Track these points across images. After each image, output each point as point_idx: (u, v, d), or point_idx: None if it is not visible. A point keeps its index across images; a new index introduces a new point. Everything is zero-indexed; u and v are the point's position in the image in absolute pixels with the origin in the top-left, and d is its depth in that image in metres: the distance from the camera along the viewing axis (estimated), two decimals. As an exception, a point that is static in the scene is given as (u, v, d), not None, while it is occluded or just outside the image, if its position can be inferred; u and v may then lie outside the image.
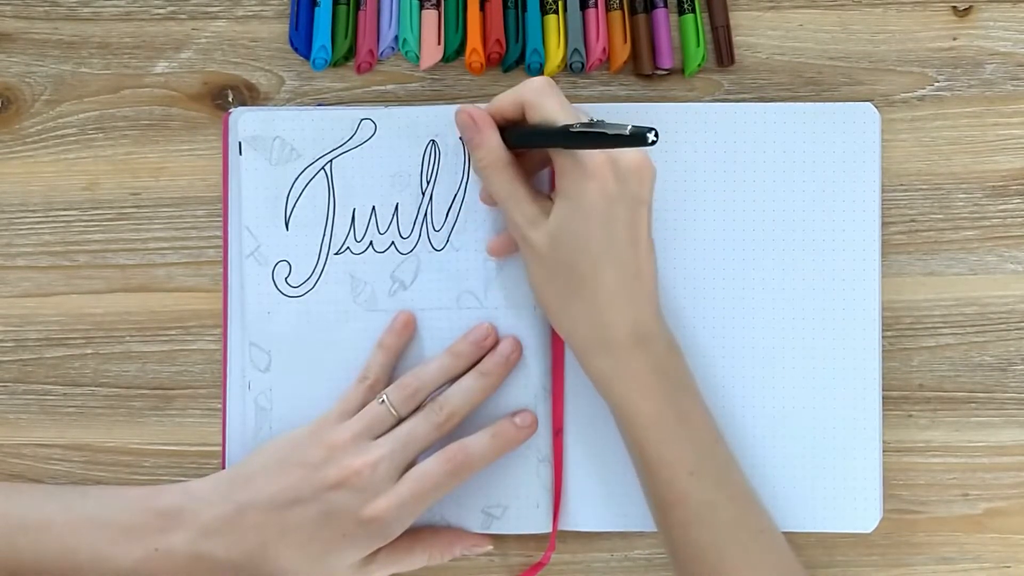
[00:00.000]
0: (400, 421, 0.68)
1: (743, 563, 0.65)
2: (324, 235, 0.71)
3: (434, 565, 0.71)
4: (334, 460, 0.66)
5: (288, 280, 0.71)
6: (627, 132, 0.59)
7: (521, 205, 0.66)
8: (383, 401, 0.68)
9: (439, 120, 0.71)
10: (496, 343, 0.70)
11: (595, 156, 0.63)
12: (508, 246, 0.69)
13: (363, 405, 0.68)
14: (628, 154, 0.64)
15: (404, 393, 0.68)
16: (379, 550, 0.68)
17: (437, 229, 0.71)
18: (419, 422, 0.68)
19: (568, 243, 0.64)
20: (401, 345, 0.70)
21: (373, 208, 0.71)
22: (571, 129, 0.62)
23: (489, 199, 0.69)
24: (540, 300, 0.67)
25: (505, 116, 0.66)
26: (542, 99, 0.64)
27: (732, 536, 0.65)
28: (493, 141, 0.66)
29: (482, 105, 0.67)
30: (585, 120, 0.62)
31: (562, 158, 0.64)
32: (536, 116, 0.65)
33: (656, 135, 0.59)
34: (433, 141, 0.71)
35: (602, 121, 0.61)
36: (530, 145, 0.67)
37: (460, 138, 0.70)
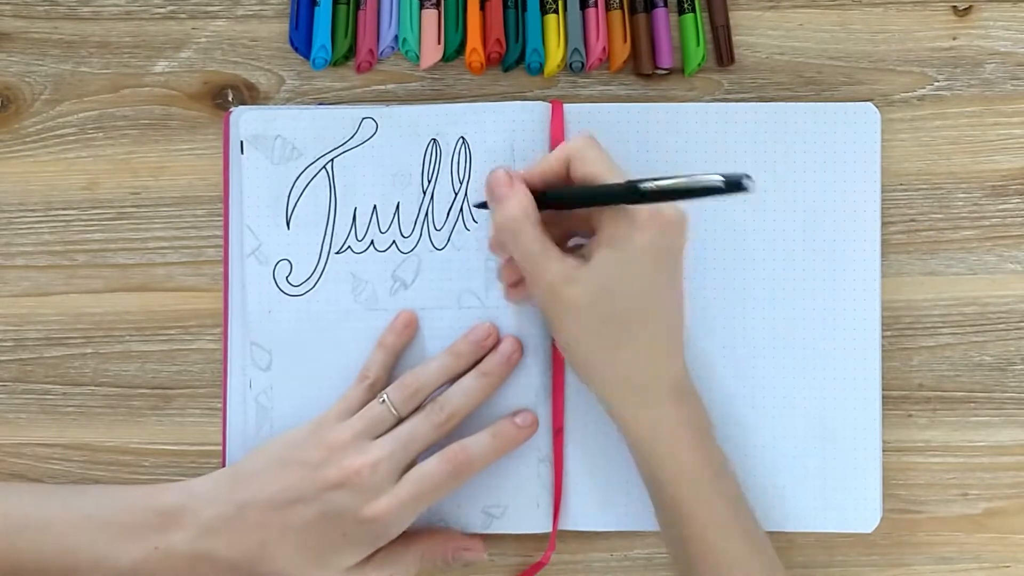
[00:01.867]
0: (400, 421, 0.68)
1: None
2: (325, 234, 0.71)
3: (430, 568, 0.70)
4: (334, 460, 0.66)
5: (289, 279, 0.71)
6: (721, 184, 0.57)
7: (553, 263, 0.64)
8: (383, 401, 0.68)
9: (440, 119, 0.71)
10: (497, 343, 0.70)
11: (642, 209, 0.63)
12: (525, 294, 0.69)
13: (363, 404, 0.68)
14: (670, 206, 0.63)
15: (404, 393, 0.68)
16: (375, 552, 0.68)
17: (438, 228, 0.71)
18: (419, 422, 0.67)
19: (615, 294, 0.64)
20: (402, 345, 0.70)
21: (374, 207, 0.71)
22: (640, 187, 0.61)
23: (517, 294, 0.69)
24: (576, 354, 0.66)
25: (547, 179, 0.66)
26: (589, 158, 0.64)
27: None
28: (522, 196, 0.65)
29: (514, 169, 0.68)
30: (629, 177, 0.62)
31: (609, 214, 0.63)
32: (583, 174, 0.64)
33: (751, 180, 0.57)
34: (434, 140, 0.71)
35: (678, 176, 0.60)
36: (576, 204, 0.66)
37: (478, 204, 0.70)
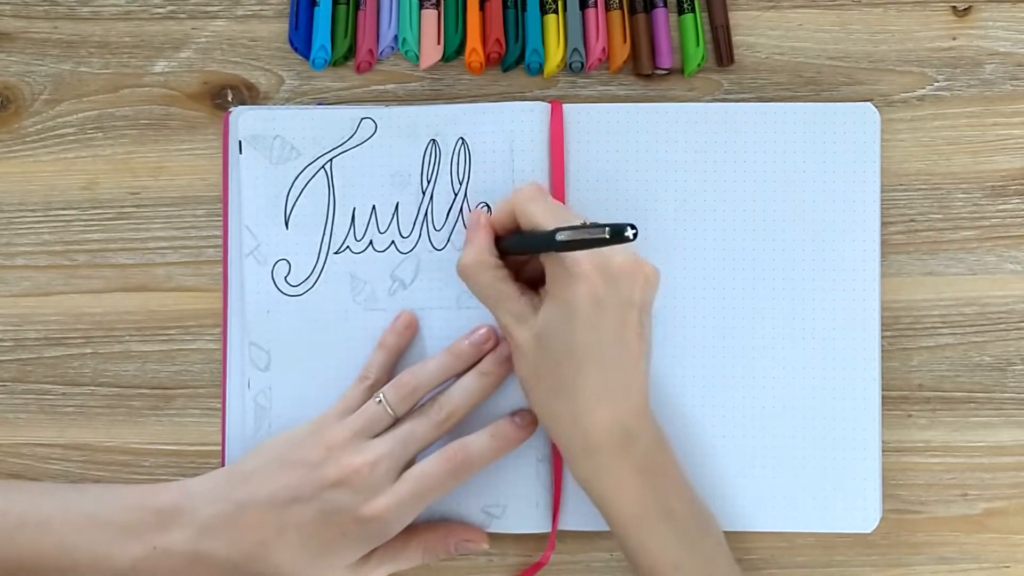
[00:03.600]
0: (397, 420, 0.68)
1: None
2: (324, 234, 0.71)
3: (431, 563, 0.70)
4: (333, 459, 0.66)
5: (288, 279, 0.71)
6: (606, 234, 0.59)
7: (506, 303, 0.66)
8: (380, 400, 0.68)
9: (440, 119, 0.71)
10: (496, 345, 0.70)
11: (583, 261, 0.63)
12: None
13: (363, 404, 0.68)
14: (618, 257, 0.64)
15: (401, 392, 0.68)
16: (375, 549, 0.68)
17: (438, 228, 0.71)
18: (419, 421, 0.67)
19: (552, 344, 0.64)
20: (402, 345, 0.70)
21: (373, 207, 0.71)
22: (556, 237, 0.61)
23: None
24: (526, 394, 0.68)
25: (505, 226, 0.67)
26: (528, 206, 0.66)
27: None
28: (480, 242, 0.67)
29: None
30: (576, 223, 0.63)
31: (551, 262, 0.64)
32: (525, 222, 0.66)
33: (635, 230, 0.58)
34: (433, 140, 0.71)
35: (585, 224, 0.62)
36: (521, 251, 0.68)
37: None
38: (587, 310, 0.63)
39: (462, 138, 0.70)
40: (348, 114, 0.71)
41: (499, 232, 0.68)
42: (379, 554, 0.68)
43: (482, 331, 0.70)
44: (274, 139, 0.71)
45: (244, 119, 0.71)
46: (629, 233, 0.58)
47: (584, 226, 0.61)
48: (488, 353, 0.69)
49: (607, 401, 0.65)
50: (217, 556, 0.66)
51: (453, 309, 0.71)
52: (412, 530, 0.69)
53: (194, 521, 0.66)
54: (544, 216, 0.65)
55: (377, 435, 0.67)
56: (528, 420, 0.69)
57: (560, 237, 0.61)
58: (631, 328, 0.65)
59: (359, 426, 0.67)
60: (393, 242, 0.71)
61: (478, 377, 0.69)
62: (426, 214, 0.71)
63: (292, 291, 0.71)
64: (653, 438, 0.67)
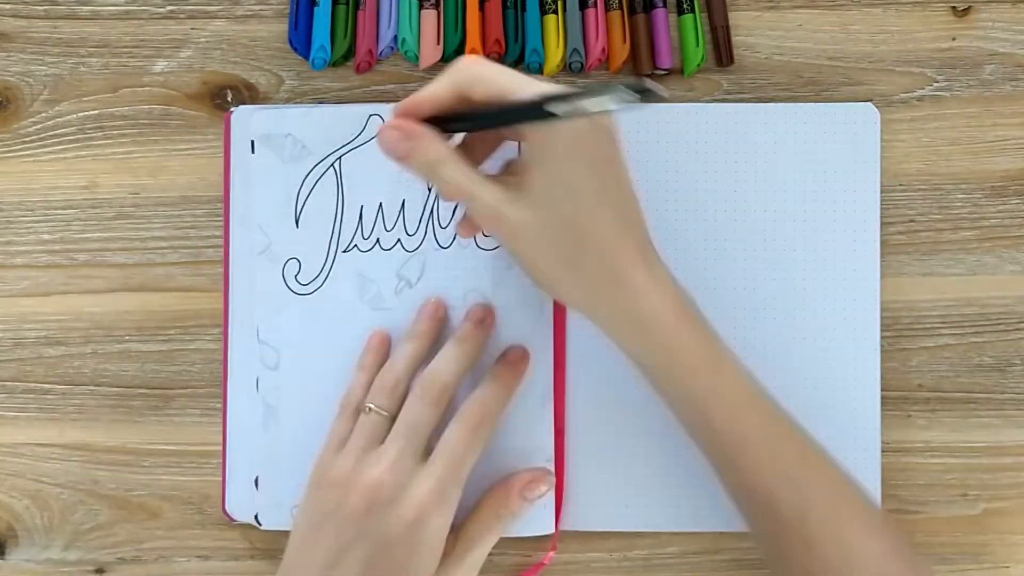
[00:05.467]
0: (394, 419, 0.65)
1: (816, 484, 0.63)
2: (333, 232, 0.71)
3: (509, 527, 0.69)
4: (351, 490, 0.63)
5: (298, 278, 0.71)
6: (635, 96, 0.51)
7: (488, 189, 0.60)
8: (369, 410, 0.66)
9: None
10: (446, 313, 0.69)
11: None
12: (475, 228, 0.66)
13: (353, 426, 0.66)
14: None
15: (384, 391, 0.66)
16: (449, 539, 0.65)
17: (444, 226, 0.71)
18: (413, 406, 0.65)
19: (559, 198, 0.60)
20: (381, 363, 0.69)
21: (380, 205, 0.71)
22: (546, 107, 0.55)
23: (468, 228, 0.66)
24: (542, 276, 0.62)
25: (441, 106, 0.60)
26: (482, 75, 0.59)
27: (803, 461, 0.63)
28: (430, 139, 0.60)
29: (392, 106, 0.62)
30: (547, 87, 0.57)
31: (526, 128, 0.60)
32: (487, 89, 0.59)
33: (657, 90, 0.51)
34: (441, 134, 0.71)
35: (577, 92, 0.56)
36: (483, 127, 0.62)
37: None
38: (582, 145, 0.59)
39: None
40: (357, 111, 0.71)
41: (428, 117, 0.61)
42: (456, 545, 0.66)
43: (431, 303, 0.69)
44: (285, 137, 0.71)
45: (257, 118, 0.71)
46: (655, 89, 0.50)
47: (579, 93, 0.54)
48: (443, 321, 0.69)
49: (628, 233, 0.61)
50: None
51: (459, 308, 0.70)
52: (476, 508, 0.68)
53: None
54: (509, 81, 0.58)
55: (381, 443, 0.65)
56: (518, 355, 0.68)
57: (555, 110, 0.55)
58: (623, 160, 0.61)
59: (360, 444, 0.65)
60: (399, 240, 0.71)
61: (457, 344, 0.67)
62: (432, 211, 0.71)
63: (302, 290, 0.71)
64: (676, 278, 0.63)
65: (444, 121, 0.61)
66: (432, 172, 0.61)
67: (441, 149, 0.60)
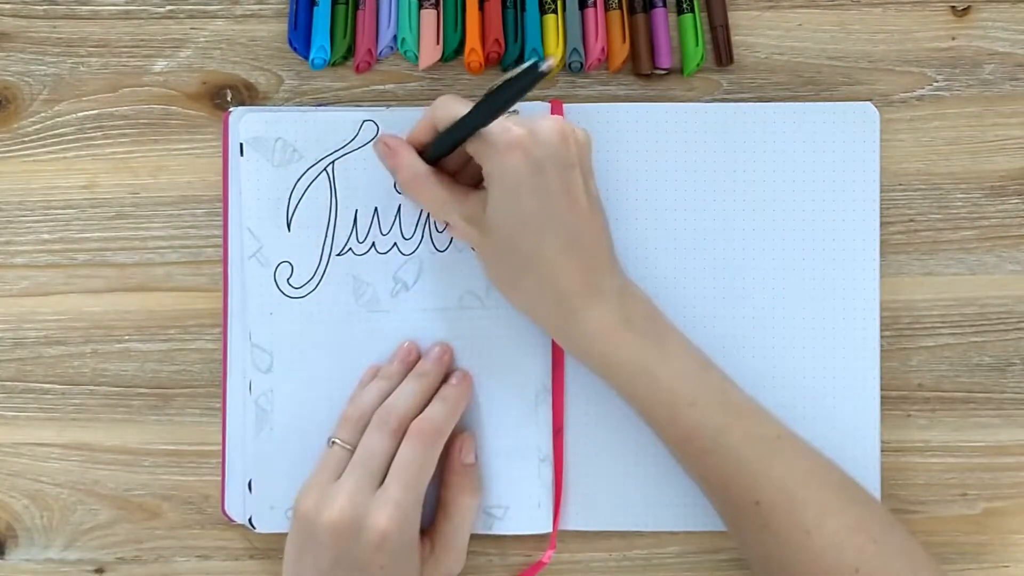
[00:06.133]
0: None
1: (767, 470, 0.65)
2: (326, 236, 0.71)
3: (476, 497, 0.69)
4: (317, 524, 0.64)
5: (290, 281, 0.71)
6: (528, 70, 0.59)
7: (455, 206, 0.66)
8: (334, 442, 0.67)
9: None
10: (418, 356, 0.70)
11: (512, 130, 0.63)
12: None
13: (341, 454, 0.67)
14: (544, 123, 0.64)
15: (348, 425, 0.68)
16: (426, 547, 0.67)
17: (440, 230, 0.71)
18: (370, 436, 0.67)
19: (506, 224, 0.65)
20: (369, 415, 0.68)
21: (375, 209, 0.71)
22: (471, 111, 0.63)
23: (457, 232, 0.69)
24: (501, 290, 0.68)
25: (423, 141, 0.68)
26: (448, 106, 0.66)
27: (751, 450, 0.65)
28: (408, 158, 0.67)
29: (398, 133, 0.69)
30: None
31: (480, 145, 0.64)
32: (446, 122, 0.66)
33: (546, 63, 0.58)
34: (435, 141, 0.71)
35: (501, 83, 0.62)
36: (447, 149, 0.67)
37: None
38: (528, 177, 0.63)
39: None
40: (350, 116, 0.71)
41: (420, 148, 0.68)
42: (435, 545, 0.68)
43: (404, 346, 0.70)
44: (275, 141, 0.71)
45: (245, 121, 0.71)
46: (542, 66, 0.58)
47: (500, 84, 0.61)
48: (415, 364, 0.70)
49: (572, 257, 0.65)
50: None
51: (455, 310, 0.71)
52: (437, 504, 0.69)
53: None
54: (461, 109, 0.65)
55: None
56: (461, 376, 0.70)
57: (476, 105, 0.62)
58: (576, 188, 0.65)
59: (325, 477, 0.66)
60: (395, 244, 0.71)
61: (416, 379, 0.69)
62: (428, 216, 0.71)
63: (295, 293, 0.71)
64: (625, 289, 0.67)
65: (429, 147, 0.68)
66: (416, 184, 0.67)
67: (414, 165, 0.67)
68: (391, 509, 0.64)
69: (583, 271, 0.65)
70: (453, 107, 0.65)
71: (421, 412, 0.68)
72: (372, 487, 0.65)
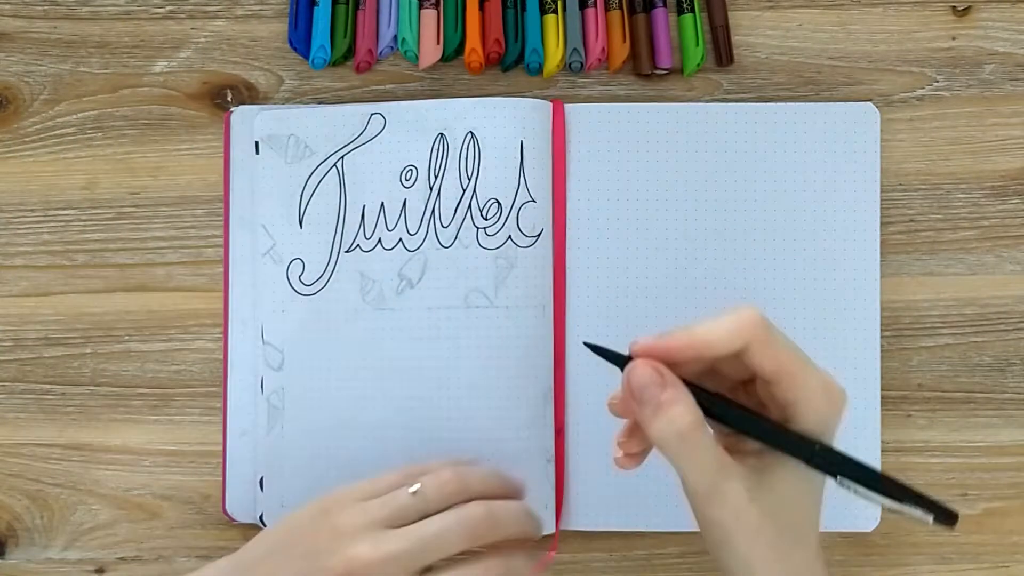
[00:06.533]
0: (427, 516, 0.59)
1: None
2: (336, 232, 0.71)
3: None
4: (340, 549, 0.57)
5: (302, 278, 0.71)
6: (929, 517, 0.52)
7: (732, 482, 0.54)
8: (416, 491, 0.59)
9: (448, 113, 0.71)
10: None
11: (838, 408, 0.55)
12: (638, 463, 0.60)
13: (395, 486, 0.60)
14: (837, 386, 0.56)
15: (443, 488, 0.59)
16: None
17: (445, 225, 0.71)
18: (452, 523, 0.58)
19: (795, 506, 0.56)
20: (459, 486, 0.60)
21: (382, 204, 0.71)
22: (840, 481, 0.53)
23: (630, 461, 0.59)
24: (746, 566, 0.56)
25: (716, 353, 0.54)
26: (777, 337, 0.54)
27: None
28: (687, 402, 0.54)
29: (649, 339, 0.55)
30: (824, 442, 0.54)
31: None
32: (771, 360, 0.54)
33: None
34: (441, 135, 0.71)
35: (908, 495, 0.54)
36: (752, 435, 0.55)
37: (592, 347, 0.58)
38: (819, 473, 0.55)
39: (471, 132, 0.70)
40: (359, 110, 0.71)
41: (685, 368, 0.55)
42: None
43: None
44: (288, 138, 0.71)
45: (260, 119, 0.71)
46: (953, 520, 0.52)
47: (909, 496, 0.53)
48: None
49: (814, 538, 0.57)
50: None
51: (461, 308, 0.70)
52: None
53: None
54: (792, 361, 0.54)
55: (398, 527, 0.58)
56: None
57: (858, 492, 0.53)
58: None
59: (381, 516, 0.58)
60: (401, 240, 0.71)
61: (496, 554, 0.59)
62: (433, 211, 0.71)
63: (306, 290, 0.71)
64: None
65: (704, 401, 0.55)
66: (679, 446, 0.54)
67: (696, 414, 0.54)
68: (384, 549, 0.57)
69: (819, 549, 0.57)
70: (779, 346, 0.54)
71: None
72: (415, 572, 0.57)
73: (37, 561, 0.73)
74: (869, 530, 0.71)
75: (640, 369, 0.54)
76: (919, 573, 0.73)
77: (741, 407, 0.56)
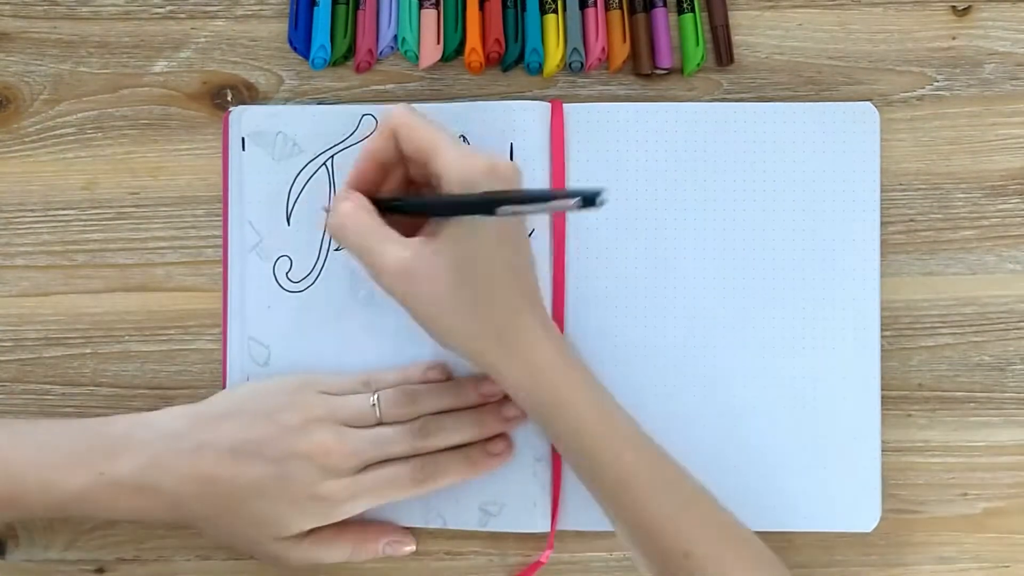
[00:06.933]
0: (379, 425, 0.68)
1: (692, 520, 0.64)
2: (325, 230, 0.71)
3: (354, 561, 0.70)
4: (309, 432, 0.66)
5: (289, 275, 0.71)
6: (576, 203, 0.55)
7: (394, 246, 0.63)
8: (374, 403, 0.68)
9: (440, 117, 0.70)
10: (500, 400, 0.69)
11: (478, 169, 0.61)
12: None
13: (353, 394, 0.68)
14: (501, 164, 0.62)
15: (397, 405, 0.68)
16: (309, 532, 0.67)
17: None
18: (402, 435, 0.67)
19: (472, 261, 0.62)
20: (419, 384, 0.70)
21: (372, 202, 0.71)
22: (497, 211, 0.58)
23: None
24: (439, 323, 0.64)
25: (378, 159, 0.65)
26: (413, 119, 0.63)
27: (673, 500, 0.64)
28: (351, 197, 0.64)
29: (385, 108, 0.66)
30: (507, 187, 0.61)
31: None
32: (411, 138, 0.63)
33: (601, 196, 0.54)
34: (432, 136, 0.71)
35: (532, 195, 0.60)
36: (428, 213, 0.65)
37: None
38: (494, 236, 0.62)
39: (463, 136, 0.70)
40: (349, 111, 0.71)
41: (369, 182, 0.65)
42: (312, 538, 0.68)
43: (493, 387, 0.69)
44: (276, 135, 0.71)
45: (247, 116, 0.71)
46: (600, 200, 0.54)
47: (535, 197, 0.59)
48: (491, 406, 0.69)
49: (528, 306, 0.64)
50: (163, 490, 0.65)
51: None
52: (346, 525, 0.68)
53: (146, 452, 0.65)
54: (431, 137, 0.62)
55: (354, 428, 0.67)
56: (500, 448, 0.69)
57: (504, 212, 0.58)
58: (525, 251, 0.65)
59: (342, 415, 0.67)
60: None
61: (463, 459, 0.69)
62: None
63: (293, 287, 0.71)
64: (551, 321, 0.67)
65: (386, 204, 0.65)
66: (344, 228, 0.64)
67: (356, 202, 0.64)
68: (352, 492, 0.66)
69: (534, 306, 0.65)
70: (415, 126, 0.63)
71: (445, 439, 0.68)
72: (366, 464, 0.67)
73: (37, 561, 0.73)
74: (869, 530, 0.71)
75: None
76: (919, 573, 0.73)
77: (411, 198, 0.65)
